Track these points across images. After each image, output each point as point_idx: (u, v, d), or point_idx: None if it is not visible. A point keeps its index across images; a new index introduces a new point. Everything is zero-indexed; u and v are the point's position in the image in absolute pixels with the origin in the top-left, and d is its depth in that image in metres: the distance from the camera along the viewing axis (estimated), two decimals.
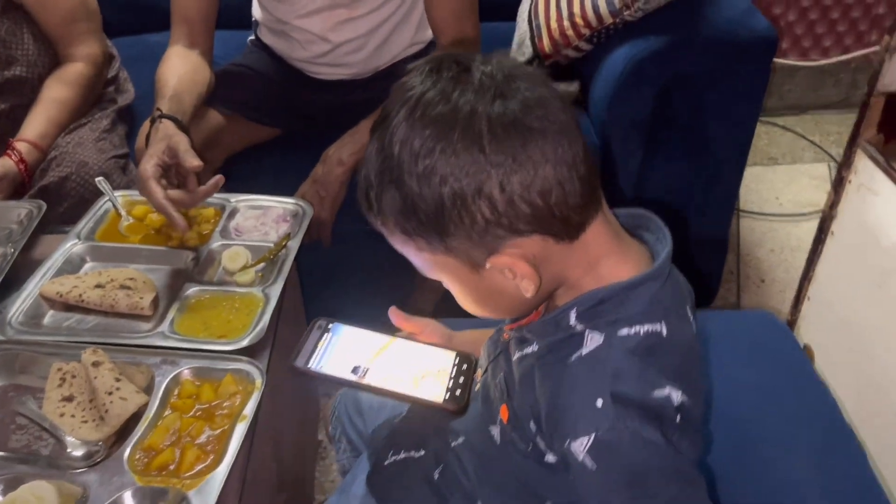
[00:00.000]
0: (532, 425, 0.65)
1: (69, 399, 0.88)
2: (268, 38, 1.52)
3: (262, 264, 1.08)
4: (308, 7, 1.38)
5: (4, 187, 1.26)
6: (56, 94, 1.32)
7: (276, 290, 1.02)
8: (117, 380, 0.87)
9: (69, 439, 0.85)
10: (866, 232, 1.16)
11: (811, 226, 2.04)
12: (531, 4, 1.60)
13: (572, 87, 1.56)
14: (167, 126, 1.11)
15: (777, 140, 2.38)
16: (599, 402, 0.58)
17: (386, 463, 0.87)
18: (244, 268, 1.07)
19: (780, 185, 2.19)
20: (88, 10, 1.38)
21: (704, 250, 1.61)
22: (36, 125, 1.29)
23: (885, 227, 1.12)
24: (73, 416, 0.86)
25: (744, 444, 0.95)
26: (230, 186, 1.29)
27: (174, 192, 1.06)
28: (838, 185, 1.21)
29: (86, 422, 0.86)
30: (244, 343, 0.93)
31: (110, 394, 0.85)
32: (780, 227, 2.03)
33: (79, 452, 0.84)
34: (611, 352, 0.61)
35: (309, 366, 0.75)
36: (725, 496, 0.87)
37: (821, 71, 2.44)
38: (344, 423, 0.99)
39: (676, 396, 0.60)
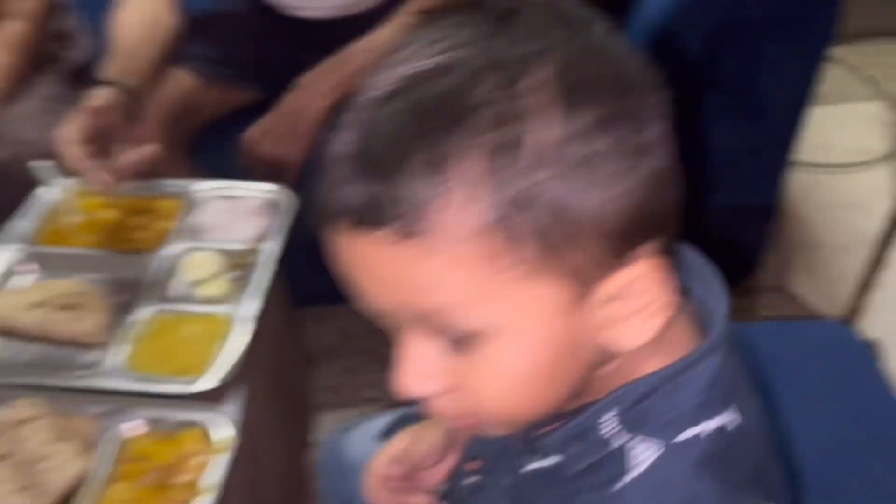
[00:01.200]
0: None
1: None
2: None
3: (234, 273, 0.90)
4: None
5: None
6: None
7: (250, 310, 0.85)
8: (51, 442, 0.71)
9: None
10: None
11: (865, 178, 1.85)
12: None
13: None
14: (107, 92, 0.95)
15: (826, 74, 2.13)
16: None
17: None
18: (212, 278, 0.90)
19: (830, 128, 1.96)
20: None
21: (747, 219, 1.41)
22: None
23: None
24: (2, 481, 0.71)
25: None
26: (200, 167, 1.12)
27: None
28: None
29: (20, 489, 0.71)
30: (209, 383, 0.77)
31: (41, 462, 0.70)
32: (829, 179, 1.82)
33: None
34: (675, 469, 0.44)
35: None
36: None
37: None
38: (333, 480, 0.83)
39: None
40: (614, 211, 0.38)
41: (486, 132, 0.36)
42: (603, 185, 0.37)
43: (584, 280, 0.39)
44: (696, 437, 0.43)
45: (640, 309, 0.41)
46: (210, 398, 0.76)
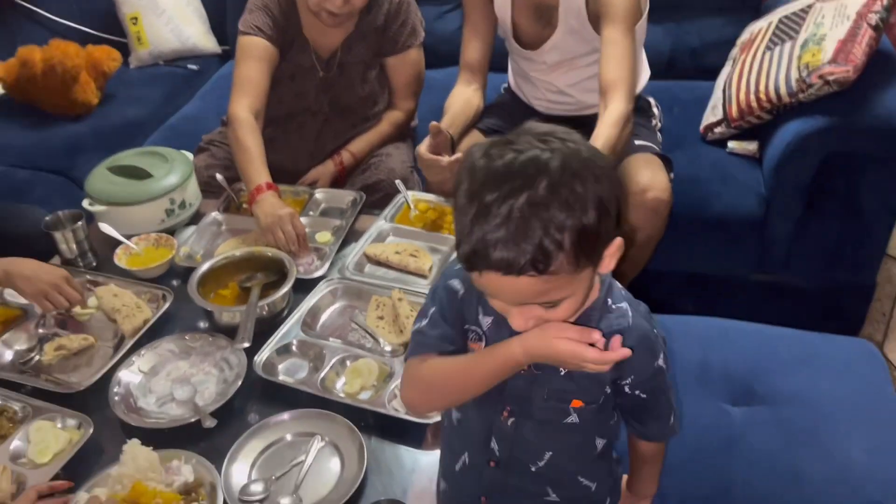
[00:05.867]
0: (607, 388, 0.94)
1: (381, 318, 1.46)
2: (514, 84, 2.06)
3: None
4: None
5: (326, 182, 1.92)
6: (382, 128, 2.00)
7: None
8: (411, 310, 1.44)
9: (381, 340, 1.43)
10: None
11: None
12: (727, 76, 1.99)
13: (752, 145, 1.93)
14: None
15: None
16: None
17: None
18: None
19: None
20: (418, 79, 2.03)
21: (850, 294, 1.91)
22: (360, 144, 1.96)
23: None
24: (383, 328, 1.44)
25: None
26: None
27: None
28: None
29: (391, 332, 1.44)
30: None
31: (407, 318, 1.42)
32: None
33: (388, 348, 1.41)
34: (638, 309, 0.96)
35: None
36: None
37: None
38: None
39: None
40: (610, 238, 0.83)
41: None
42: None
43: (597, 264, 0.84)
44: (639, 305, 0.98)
45: (608, 263, 0.85)
46: None
